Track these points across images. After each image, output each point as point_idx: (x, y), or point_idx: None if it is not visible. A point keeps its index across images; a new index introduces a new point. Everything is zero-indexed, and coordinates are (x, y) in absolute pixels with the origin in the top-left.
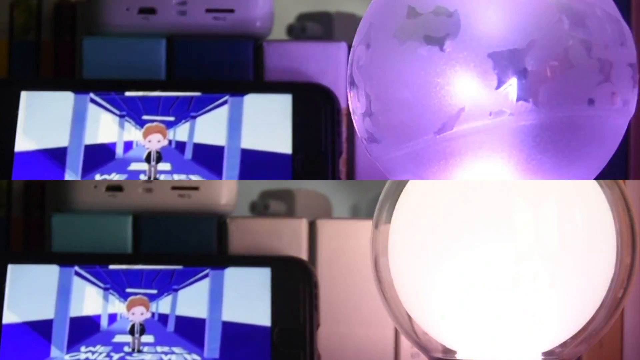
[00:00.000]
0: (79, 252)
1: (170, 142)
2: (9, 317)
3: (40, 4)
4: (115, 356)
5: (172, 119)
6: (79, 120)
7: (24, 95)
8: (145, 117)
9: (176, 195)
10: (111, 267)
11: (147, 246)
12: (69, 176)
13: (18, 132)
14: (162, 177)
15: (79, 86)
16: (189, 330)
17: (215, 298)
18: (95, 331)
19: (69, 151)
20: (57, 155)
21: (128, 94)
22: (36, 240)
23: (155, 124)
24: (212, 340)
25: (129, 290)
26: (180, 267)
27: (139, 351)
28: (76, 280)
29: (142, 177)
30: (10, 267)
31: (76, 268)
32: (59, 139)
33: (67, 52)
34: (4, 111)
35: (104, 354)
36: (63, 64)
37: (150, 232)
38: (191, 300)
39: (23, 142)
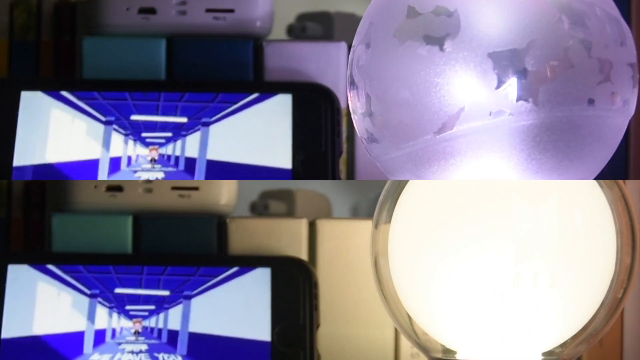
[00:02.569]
0: (79, 252)
1: (163, 155)
2: (43, 329)
3: (40, 4)
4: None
5: (169, 134)
6: (106, 139)
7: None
8: (144, 135)
9: (176, 196)
10: (117, 290)
11: (147, 246)
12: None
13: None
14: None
15: (79, 86)
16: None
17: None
18: (105, 341)
19: (101, 161)
20: (92, 165)
21: (133, 117)
22: (36, 240)
23: (154, 140)
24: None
25: (128, 307)
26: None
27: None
28: (98, 306)
29: (145, 169)
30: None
31: (99, 299)
32: (94, 151)
33: (67, 52)
34: (4, 111)
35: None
36: (63, 64)
37: (150, 232)
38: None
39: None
